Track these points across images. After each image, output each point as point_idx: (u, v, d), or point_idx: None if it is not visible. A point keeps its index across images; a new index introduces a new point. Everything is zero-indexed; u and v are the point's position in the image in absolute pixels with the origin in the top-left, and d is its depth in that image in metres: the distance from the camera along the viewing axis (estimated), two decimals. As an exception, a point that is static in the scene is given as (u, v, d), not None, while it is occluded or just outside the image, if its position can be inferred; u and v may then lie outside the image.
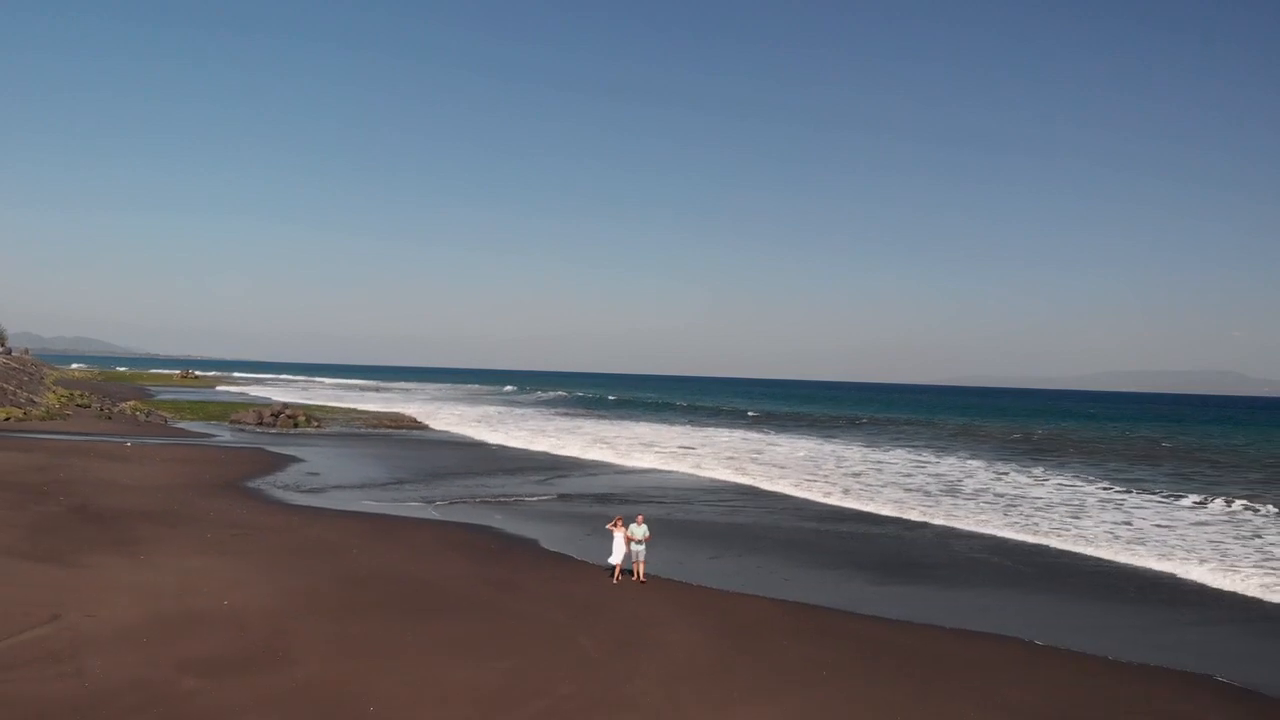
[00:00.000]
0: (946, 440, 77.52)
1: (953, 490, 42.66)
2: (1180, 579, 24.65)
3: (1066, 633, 18.31)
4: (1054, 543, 29.55)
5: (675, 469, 48.46)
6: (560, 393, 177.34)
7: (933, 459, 59.12)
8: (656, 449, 60.00)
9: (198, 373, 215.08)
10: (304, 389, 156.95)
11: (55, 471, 33.74)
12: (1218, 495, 41.85)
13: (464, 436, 65.96)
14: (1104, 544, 29.70)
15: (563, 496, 36.15)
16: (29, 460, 36.30)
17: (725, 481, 43.45)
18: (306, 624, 15.78)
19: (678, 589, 20.73)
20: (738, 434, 77.77)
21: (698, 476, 45.44)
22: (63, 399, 76.81)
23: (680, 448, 61.88)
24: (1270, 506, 39.00)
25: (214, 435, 57.87)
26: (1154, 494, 42.59)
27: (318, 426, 68.95)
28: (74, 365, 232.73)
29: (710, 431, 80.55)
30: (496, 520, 29.45)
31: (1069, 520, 34.61)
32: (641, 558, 20.88)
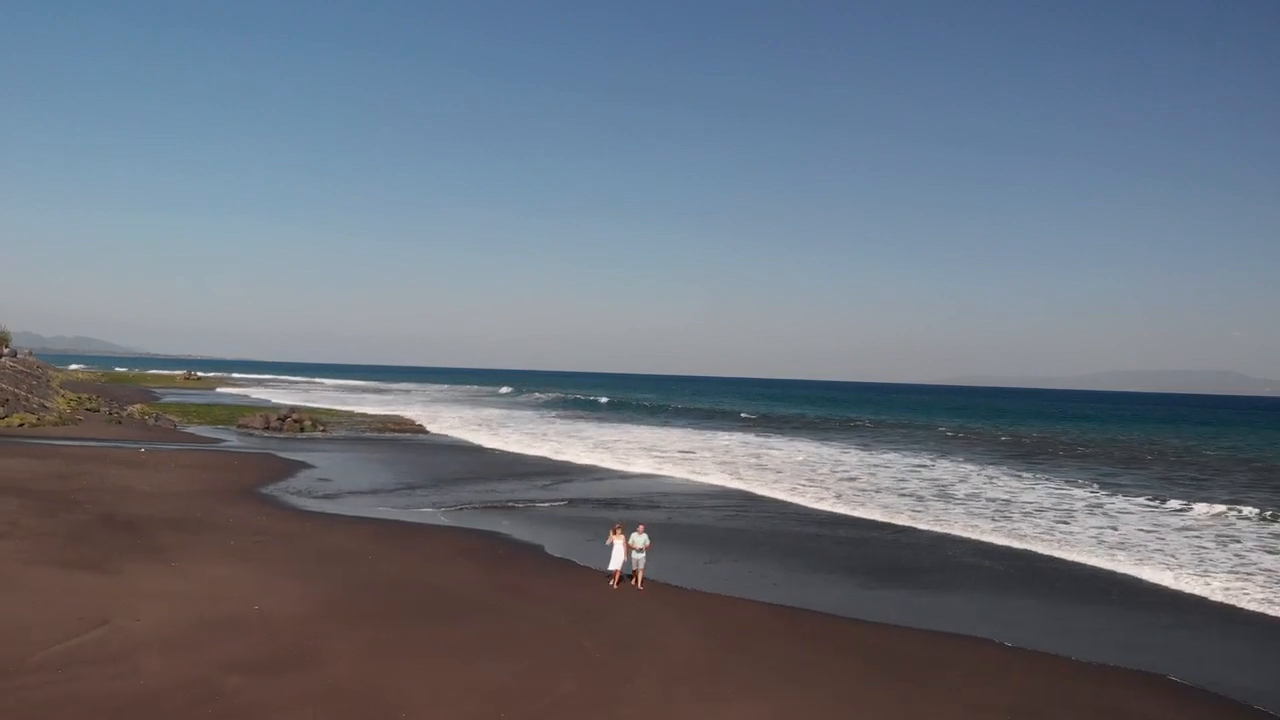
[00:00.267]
0: (942, 444, 78.84)
1: (945, 495, 43.94)
2: (1152, 584, 25.96)
3: (1037, 634, 19.66)
4: (1037, 548, 30.83)
5: (674, 474, 49.75)
6: (558, 394, 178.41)
7: (928, 462, 60.45)
8: (656, 453, 61.31)
9: (199, 374, 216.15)
10: (304, 391, 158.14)
11: (77, 479, 35.03)
12: (1203, 500, 42.98)
13: (467, 441, 67.22)
14: (1086, 549, 30.95)
15: (565, 502, 37.44)
16: (50, 468, 37.59)
17: (722, 487, 44.73)
18: (332, 628, 17.10)
19: (675, 593, 22.04)
20: (736, 437, 79.06)
21: (696, 482, 46.72)
22: (72, 403, 78.07)
23: (680, 452, 63.19)
24: (1252, 509, 40.32)
25: (223, 440, 59.17)
26: (1141, 499, 43.78)
27: (324, 431, 70.26)
28: (73, 366, 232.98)
29: (709, 435, 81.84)
30: (503, 526, 30.75)
31: (1056, 525, 35.87)
32: (641, 565, 22.18)
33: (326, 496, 35.84)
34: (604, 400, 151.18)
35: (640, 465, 53.77)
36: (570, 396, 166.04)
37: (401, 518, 31.66)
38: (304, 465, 45.80)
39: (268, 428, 69.07)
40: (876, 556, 28.49)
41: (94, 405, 78.96)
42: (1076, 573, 27.18)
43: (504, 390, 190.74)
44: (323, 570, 22.04)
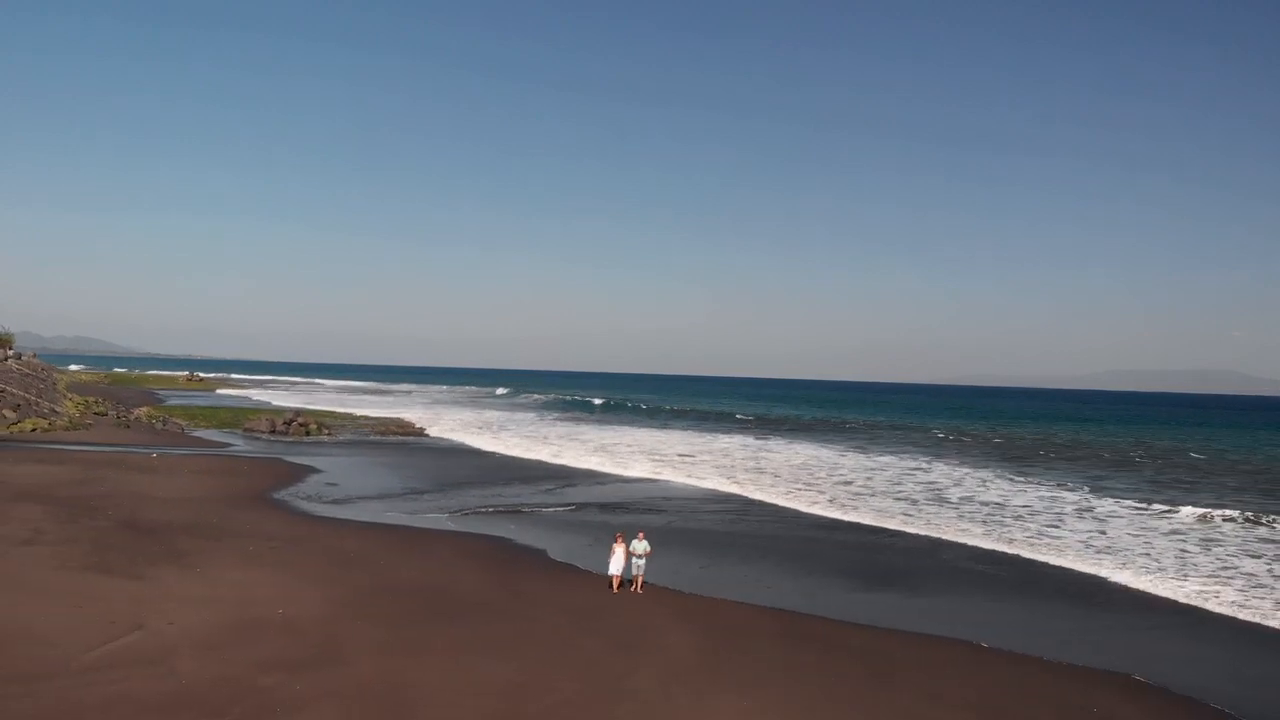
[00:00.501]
0: (939, 446, 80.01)
1: (938, 499, 45.07)
2: (1129, 587, 27.13)
3: (1012, 635, 20.87)
4: (1024, 552, 31.93)
5: (673, 478, 50.90)
6: (555, 395, 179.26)
7: (924, 465, 61.61)
8: (655, 457, 62.48)
9: (201, 375, 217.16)
10: (304, 393, 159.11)
11: (94, 485, 36.23)
12: (1190, 504, 43.93)
13: (469, 445, 68.38)
14: (1073, 554, 32.00)
15: (567, 507, 38.64)
16: (67, 474, 38.78)
17: (720, 492, 45.91)
18: (351, 629, 18.31)
19: (672, 596, 23.23)
20: (736, 440, 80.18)
21: (695, 486, 47.87)
22: (80, 407, 79.26)
23: (679, 455, 64.37)
24: (1237, 513, 41.40)
25: (230, 444, 60.36)
26: (1130, 502, 44.75)
27: (328, 434, 71.49)
28: (72, 366, 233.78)
29: (709, 438, 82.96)
30: (507, 530, 31.95)
31: (1045, 529, 36.94)
32: (640, 570, 23.37)
33: (336, 501, 37.04)
34: (603, 402, 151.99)
35: (640, 469, 54.96)
36: (568, 398, 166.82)
37: (410, 523, 32.86)
38: (312, 470, 46.99)
39: (273, 431, 70.25)
40: (866, 561, 29.67)
41: (102, 409, 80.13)
42: (1058, 576, 28.36)
43: (500, 391, 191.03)
44: (338, 574, 23.24)
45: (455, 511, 36.03)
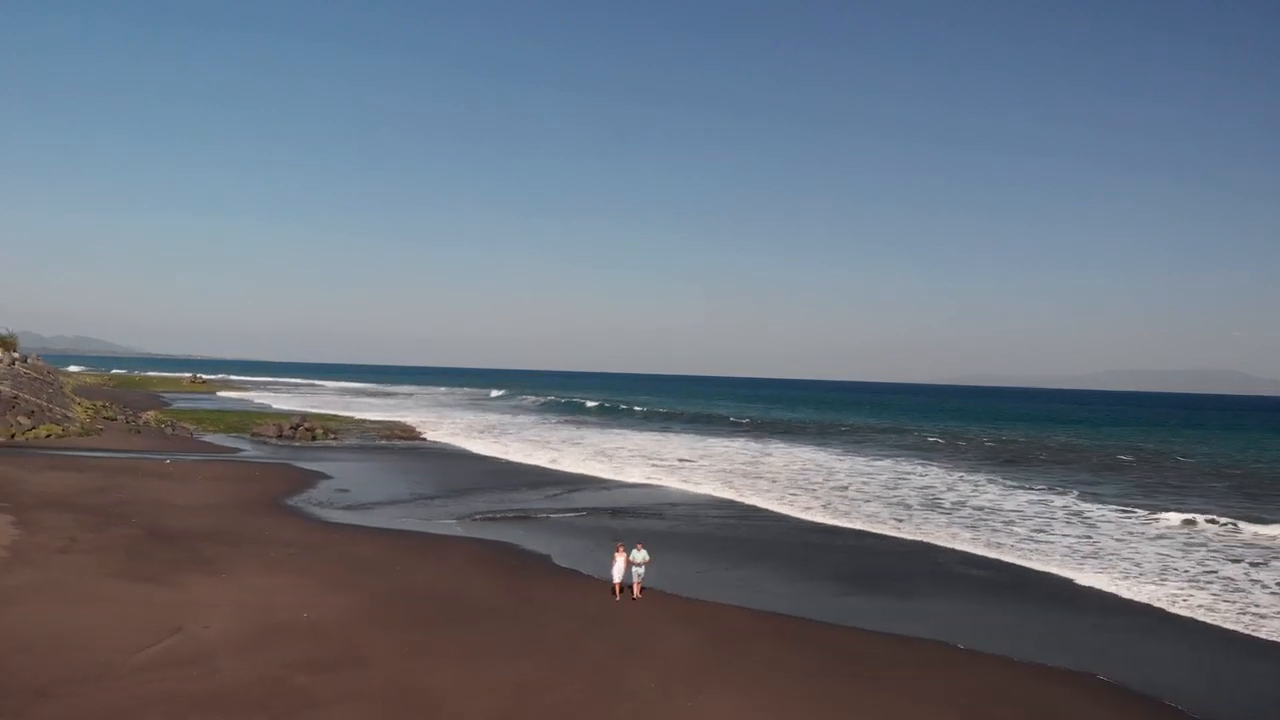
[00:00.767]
0: (934, 450, 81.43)
1: (930, 504, 46.40)
2: (1105, 592, 28.43)
3: (988, 637, 22.30)
4: (1009, 557, 33.15)
5: (672, 484, 52.27)
6: (553, 396, 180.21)
7: (918, 469, 63.00)
8: (654, 462, 63.91)
9: (204, 377, 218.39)
10: (305, 395, 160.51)
11: (114, 492, 37.68)
12: (1177, 509, 45.09)
13: (472, 450, 69.76)
14: (1058, 558, 33.20)
15: (570, 513, 40.09)
16: (88, 481, 40.24)
17: (718, 498, 47.27)
18: (372, 632, 19.76)
19: (670, 601, 24.67)
20: (734, 445, 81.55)
21: (693, 493, 49.19)
22: (90, 412, 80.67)
23: (678, 460, 65.80)
24: (1219, 517, 42.53)
25: (240, 449, 61.83)
26: (1117, 507, 45.92)
27: (334, 439, 73.00)
28: (71, 367, 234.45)
29: (709, 442, 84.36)
30: (513, 536, 33.40)
31: (1033, 534, 38.13)
32: (639, 577, 24.81)
33: (348, 508, 38.50)
34: (603, 405, 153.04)
35: (639, 474, 56.39)
36: (566, 400, 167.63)
37: (420, 529, 34.32)
38: (321, 475, 48.45)
39: (281, 436, 71.70)
40: (857, 566, 31.08)
41: (111, 414, 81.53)
42: (1041, 581, 29.74)
43: (494, 394, 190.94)
44: (356, 580, 24.68)
45: (463, 517, 37.48)
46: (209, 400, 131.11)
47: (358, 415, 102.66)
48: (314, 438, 72.16)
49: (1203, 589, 29.06)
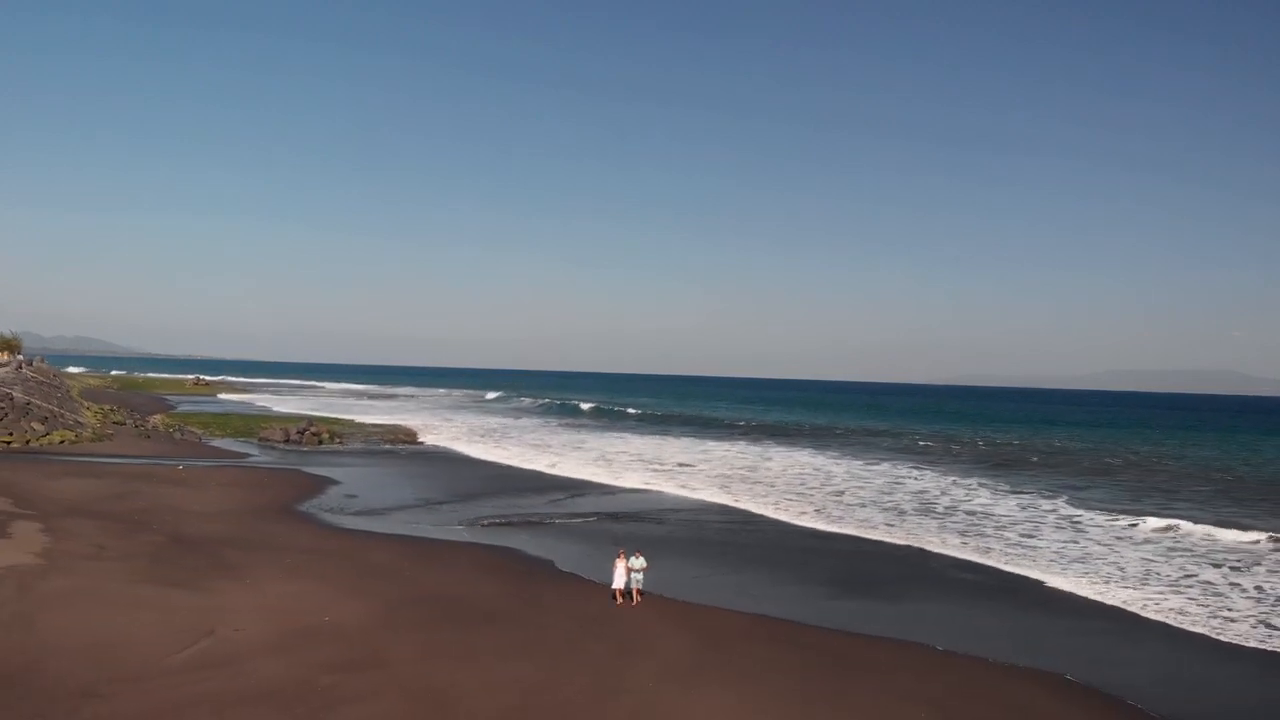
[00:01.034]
0: (930, 454, 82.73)
1: (924, 509, 47.65)
2: (1080, 596, 29.72)
3: (965, 639, 23.70)
4: (995, 562, 34.30)
5: (671, 490, 53.50)
6: (551, 398, 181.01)
7: (913, 474, 64.25)
8: (654, 467, 65.23)
9: (206, 378, 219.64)
10: (305, 397, 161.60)
11: (132, 499, 39.09)
12: (1166, 514, 46.14)
13: (475, 455, 71.01)
14: (1044, 562, 34.33)
15: (571, 518, 41.49)
16: (105, 487, 41.66)
17: (715, 504, 48.46)
18: (389, 635, 21.19)
19: (667, 604, 26.06)
20: (733, 449, 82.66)
21: (691, 499, 50.32)
22: (100, 416, 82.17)
23: (678, 464, 67.13)
24: (1205, 522, 43.51)
25: (249, 454, 63.26)
26: (1106, 512, 46.82)
27: (340, 443, 74.46)
28: (71, 368, 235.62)
29: (708, 445, 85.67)
30: (517, 542, 34.79)
31: (1022, 539, 39.29)
32: (638, 583, 26.22)
33: (358, 514, 39.92)
34: (601, 407, 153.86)
35: (638, 479, 57.73)
36: (566, 402, 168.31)
37: (428, 534, 35.77)
38: (330, 481, 49.85)
39: (288, 440, 73.16)
40: (848, 570, 32.44)
41: (120, 418, 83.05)
42: (1019, 585, 31.10)
43: (489, 396, 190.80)
44: (370, 585, 26.09)
45: (468, 523, 38.90)
46: (212, 403, 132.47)
47: (359, 418, 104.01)
48: (320, 442, 73.60)
49: (1180, 593, 30.19)
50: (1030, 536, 40.09)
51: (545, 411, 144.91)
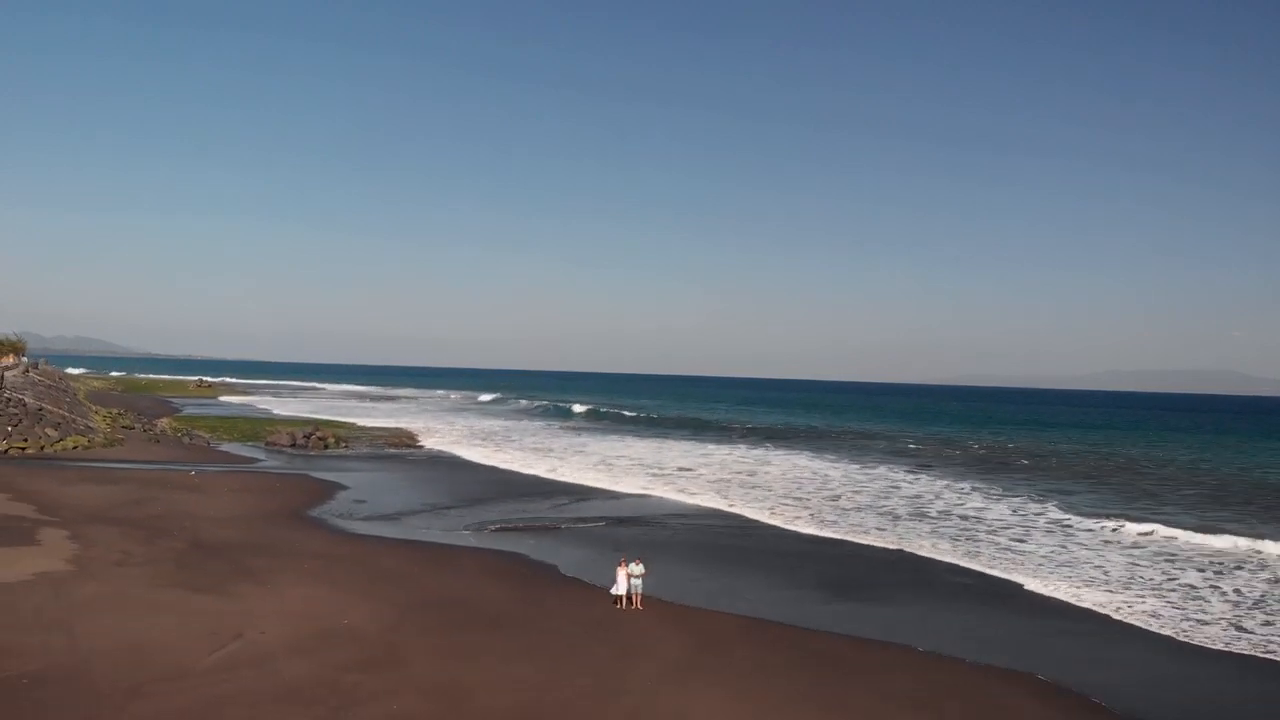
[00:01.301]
0: (926, 457, 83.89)
1: (918, 513, 48.89)
2: (1059, 599, 31.04)
3: (946, 641, 25.11)
4: (983, 566, 35.54)
5: (671, 495, 54.66)
6: (552, 400, 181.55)
7: (909, 478, 65.65)
8: (654, 472, 66.53)
9: (209, 380, 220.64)
10: (306, 399, 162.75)
11: (149, 505, 40.48)
12: (1152, 518, 47.41)
13: (477, 460, 72.07)
14: (1031, 566, 35.54)
15: (573, 523, 42.89)
16: (122, 494, 43.05)
17: (713, 509, 49.73)
18: (404, 637, 22.59)
19: (666, 608, 27.43)
20: (732, 454, 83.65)
21: (690, 504, 51.48)
22: (109, 420, 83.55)
23: (677, 469, 68.40)
24: (1191, 527, 44.62)
25: (257, 459, 64.65)
26: (1096, 517, 47.79)
27: (345, 447, 75.87)
28: (71, 369, 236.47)
29: (707, 449, 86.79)
30: (522, 547, 36.19)
31: (1012, 543, 40.51)
32: (638, 589, 27.61)
33: (367, 519, 41.33)
34: (601, 409, 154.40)
35: (639, 484, 59.05)
36: (565, 404, 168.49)
37: (436, 539, 37.18)
38: (339, 486, 51.24)
39: (294, 445, 74.60)
40: (839, 575, 33.79)
41: (128, 422, 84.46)
42: (1003, 588, 32.46)
43: (489, 397, 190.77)
44: (382, 590, 27.49)
45: (474, 528, 40.31)
46: (215, 405, 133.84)
47: (361, 421, 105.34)
48: (326, 446, 75.02)
49: (1161, 596, 31.33)
50: (1020, 541, 41.20)
51: (545, 414, 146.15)
